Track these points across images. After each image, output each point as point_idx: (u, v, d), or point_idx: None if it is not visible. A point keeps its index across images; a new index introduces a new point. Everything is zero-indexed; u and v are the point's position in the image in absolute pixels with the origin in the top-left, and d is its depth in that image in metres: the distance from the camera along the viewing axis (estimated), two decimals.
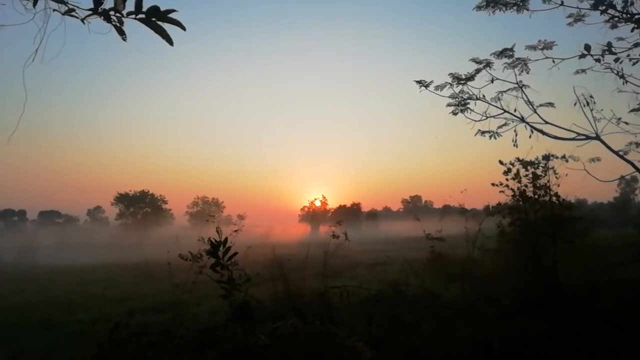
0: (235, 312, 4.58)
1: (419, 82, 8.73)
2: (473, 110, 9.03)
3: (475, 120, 9.04)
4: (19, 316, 10.67)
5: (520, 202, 8.25)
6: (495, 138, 9.01)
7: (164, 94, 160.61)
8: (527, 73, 8.55)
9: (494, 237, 8.63)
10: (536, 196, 8.22)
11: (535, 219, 8.11)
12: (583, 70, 8.20)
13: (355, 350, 4.04)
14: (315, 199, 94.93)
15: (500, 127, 9.01)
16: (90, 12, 2.27)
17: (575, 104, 8.39)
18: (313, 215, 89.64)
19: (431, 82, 8.75)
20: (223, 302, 4.82)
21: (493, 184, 8.47)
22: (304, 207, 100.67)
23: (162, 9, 2.19)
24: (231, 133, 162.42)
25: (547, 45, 8.14)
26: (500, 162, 8.45)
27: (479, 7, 7.96)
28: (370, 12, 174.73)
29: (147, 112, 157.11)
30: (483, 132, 9.05)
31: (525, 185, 8.28)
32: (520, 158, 8.42)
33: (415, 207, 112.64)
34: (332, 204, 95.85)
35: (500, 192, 8.41)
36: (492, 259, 8.60)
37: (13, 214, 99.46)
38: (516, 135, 8.78)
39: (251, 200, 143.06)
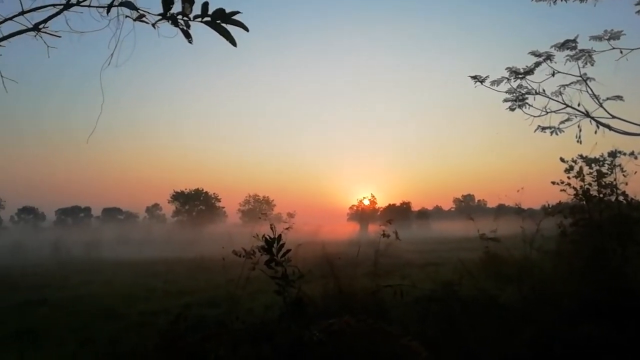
0: (289, 308, 4.66)
1: (474, 77, 8.49)
2: (532, 106, 8.67)
3: (535, 116, 8.67)
4: (87, 306, 11.38)
5: (584, 202, 7.83)
6: (557, 134, 8.59)
7: (212, 95, 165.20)
8: (592, 65, 8.09)
9: (553, 238, 8.25)
10: (601, 195, 7.79)
11: (600, 219, 7.68)
12: None
13: (410, 350, 4.00)
14: (364, 197, 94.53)
15: (562, 122, 8.58)
16: (160, 17, 2.37)
17: None
18: (362, 214, 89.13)
19: (487, 77, 8.49)
20: (276, 297, 4.91)
21: (553, 182, 8.10)
22: (353, 205, 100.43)
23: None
24: (280, 132, 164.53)
25: (614, 36, 7.66)
26: (562, 160, 8.06)
27: None
28: (420, 7, 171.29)
29: (201, 113, 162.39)
30: (543, 128, 8.67)
31: (589, 184, 7.85)
32: (584, 155, 8.00)
33: (467, 206, 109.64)
34: (381, 203, 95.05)
35: (561, 190, 8.03)
36: (552, 260, 8.24)
37: (80, 210, 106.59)
38: (580, 131, 8.34)
39: (300, 198, 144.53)
